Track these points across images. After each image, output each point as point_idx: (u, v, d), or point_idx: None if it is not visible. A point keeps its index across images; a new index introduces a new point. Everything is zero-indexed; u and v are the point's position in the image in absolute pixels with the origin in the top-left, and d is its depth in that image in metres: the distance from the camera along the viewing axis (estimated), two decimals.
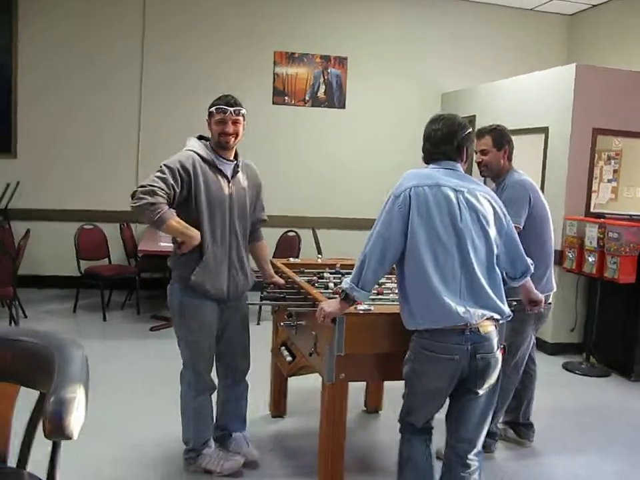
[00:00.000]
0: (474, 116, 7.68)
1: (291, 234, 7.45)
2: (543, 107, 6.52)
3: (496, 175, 3.83)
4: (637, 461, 4.06)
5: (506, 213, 2.97)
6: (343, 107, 8.54)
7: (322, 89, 8.46)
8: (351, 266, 3.94)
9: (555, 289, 3.92)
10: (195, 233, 3.22)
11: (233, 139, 3.36)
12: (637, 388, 5.53)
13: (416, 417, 2.91)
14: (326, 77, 8.45)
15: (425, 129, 2.96)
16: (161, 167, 3.25)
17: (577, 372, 5.82)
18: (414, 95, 8.52)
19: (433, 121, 2.94)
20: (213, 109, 3.34)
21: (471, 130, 2.96)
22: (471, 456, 2.89)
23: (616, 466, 3.97)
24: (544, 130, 6.47)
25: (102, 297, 6.83)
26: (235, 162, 3.45)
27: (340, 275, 3.93)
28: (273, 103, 8.33)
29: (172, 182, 3.19)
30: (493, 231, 2.84)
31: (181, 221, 3.21)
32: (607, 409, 4.99)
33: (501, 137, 3.82)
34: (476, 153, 3.83)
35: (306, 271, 4.08)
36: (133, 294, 7.31)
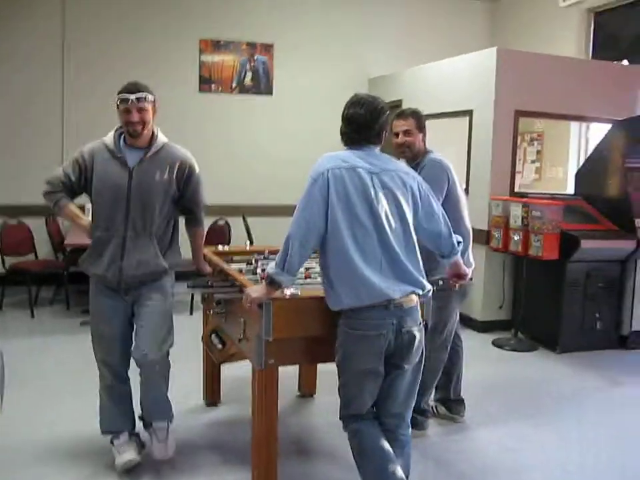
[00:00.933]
0: (400, 100, 7.76)
1: (220, 222, 7.40)
2: (467, 91, 6.64)
3: (414, 156, 3.89)
4: (562, 429, 4.21)
5: (423, 190, 3.00)
6: (270, 93, 8.53)
7: (249, 75, 8.42)
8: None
9: (473, 265, 4.00)
10: (85, 222, 3.44)
11: (140, 127, 3.28)
12: (561, 360, 5.72)
13: (356, 404, 2.91)
14: (252, 64, 8.41)
15: (346, 111, 2.94)
16: (70, 160, 3.45)
17: (505, 347, 5.97)
18: (341, 80, 8.54)
19: (354, 104, 2.92)
20: (120, 96, 3.27)
21: (389, 112, 2.99)
22: (401, 430, 2.95)
23: (543, 436, 4.10)
24: (468, 113, 6.59)
25: (29, 293, 6.64)
26: (145, 150, 3.36)
27: (268, 261, 3.93)
28: (200, 91, 8.24)
29: (69, 171, 3.38)
30: (408, 209, 2.89)
31: (75, 209, 3.45)
32: (534, 382, 5.15)
33: (421, 120, 3.89)
34: (396, 136, 3.87)
35: (235, 258, 4.07)
36: (62, 289, 7.14)
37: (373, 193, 2.80)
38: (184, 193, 3.52)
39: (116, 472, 3.44)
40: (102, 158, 3.32)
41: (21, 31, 7.62)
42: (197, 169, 3.56)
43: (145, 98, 3.27)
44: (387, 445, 2.85)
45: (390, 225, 2.81)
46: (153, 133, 3.39)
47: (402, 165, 3.08)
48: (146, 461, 3.53)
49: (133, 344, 3.43)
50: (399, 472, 2.79)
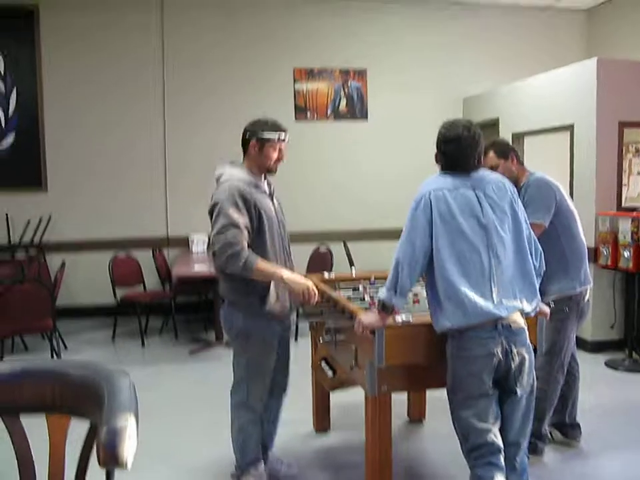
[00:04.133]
0: (497, 118, 7.67)
1: (322, 249, 7.48)
2: (567, 104, 6.49)
3: (513, 183, 3.81)
4: None
5: (518, 205, 2.96)
6: (366, 118, 8.58)
7: (343, 102, 8.51)
8: (385, 277, 3.96)
9: (591, 283, 3.89)
10: (287, 275, 3.17)
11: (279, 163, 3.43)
12: None
13: (474, 434, 2.81)
14: (346, 90, 8.50)
15: (441, 145, 2.94)
16: (220, 211, 3.16)
17: (619, 369, 5.75)
18: (435, 101, 8.52)
19: (450, 141, 2.91)
20: (271, 135, 3.34)
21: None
22: (518, 458, 2.89)
23: None
24: (569, 127, 6.43)
25: (139, 323, 6.90)
26: (266, 181, 3.49)
27: (375, 287, 3.94)
28: (296, 120, 8.39)
29: (240, 221, 3.15)
30: (512, 219, 2.87)
31: (265, 263, 3.16)
32: None
33: (502, 147, 3.85)
34: None
35: (341, 285, 4.10)
36: (170, 319, 7.38)
37: (479, 208, 2.81)
38: None
39: None
40: (256, 193, 3.31)
41: (124, 79, 8.00)
42: None
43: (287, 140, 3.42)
44: None
45: (500, 237, 2.80)
46: None
47: (498, 175, 3.06)
48: None
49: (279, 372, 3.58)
50: None
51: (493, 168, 3.76)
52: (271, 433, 3.72)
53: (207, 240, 7.59)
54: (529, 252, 2.90)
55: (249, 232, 3.19)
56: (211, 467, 3.86)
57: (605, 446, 4.15)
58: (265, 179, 3.48)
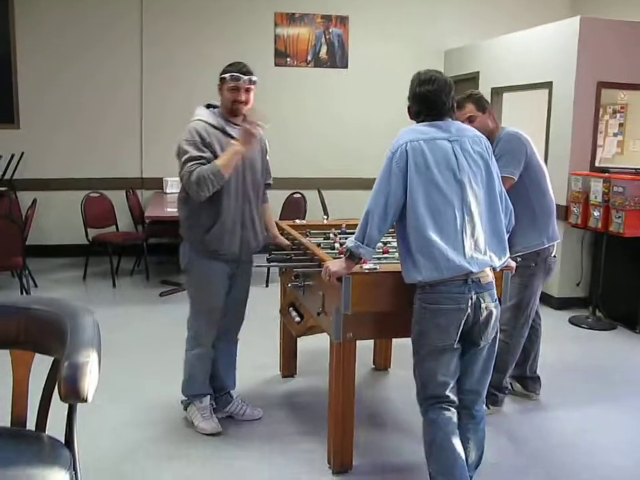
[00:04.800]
0: (477, 72, 7.64)
1: (296, 195, 7.46)
2: (547, 62, 6.46)
3: (488, 137, 3.82)
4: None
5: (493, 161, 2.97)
6: (346, 66, 8.50)
7: (324, 49, 8.41)
8: (356, 225, 3.98)
9: (559, 239, 3.95)
10: (236, 148, 3.29)
11: (244, 107, 3.40)
12: None
13: (434, 384, 2.85)
14: (327, 37, 8.39)
15: (415, 89, 2.92)
16: (181, 148, 3.33)
17: (583, 326, 5.86)
18: (417, 52, 8.43)
19: (424, 82, 2.89)
20: (226, 75, 3.36)
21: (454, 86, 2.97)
22: (476, 406, 2.95)
23: (620, 417, 4.03)
24: (548, 85, 6.42)
25: (111, 263, 6.89)
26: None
27: (345, 235, 3.96)
28: (275, 65, 8.29)
29: (198, 153, 3.29)
30: (488, 174, 2.87)
31: (220, 158, 3.28)
32: (612, 362, 5.04)
33: (480, 101, 3.82)
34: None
35: (312, 232, 4.11)
36: (142, 260, 7.37)
37: (455, 160, 2.79)
38: (263, 168, 3.66)
39: (199, 434, 3.61)
40: (215, 136, 3.36)
41: (102, 25, 7.83)
42: None
43: (252, 80, 3.39)
44: (459, 444, 2.81)
45: (474, 192, 2.79)
46: None
47: (476, 131, 3.04)
48: (224, 429, 3.67)
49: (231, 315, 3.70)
50: (465, 472, 2.79)
51: (471, 120, 3.76)
52: (228, 375, 3.83)
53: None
54: (500, 208, 2.91)
55: (208, 161, 3.29)
56: (171, 400, 3.91)
57: (563, 400, 4.26)
58: (243, 121, 3.45)
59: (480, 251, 2.77)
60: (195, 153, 3.28)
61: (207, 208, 3.37)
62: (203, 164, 3.26)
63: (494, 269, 2.86)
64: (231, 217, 3.42)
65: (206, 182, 3.22)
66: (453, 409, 2.85)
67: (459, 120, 3.72)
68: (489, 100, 3.86)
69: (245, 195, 3.46)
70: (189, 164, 3.26)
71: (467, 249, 2.73)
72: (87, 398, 1.90)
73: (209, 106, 3.52)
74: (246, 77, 3.35)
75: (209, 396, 3.71)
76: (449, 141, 2.83)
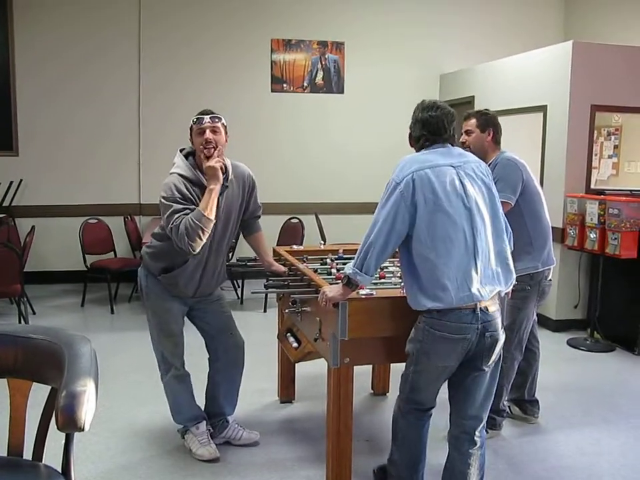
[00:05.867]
0: (472, 96, 7.71)
1: (294, 221, 7.50)
2: (541, 86, 6.53)
3: (482, 156, 3.86)
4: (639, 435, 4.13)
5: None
6: (342, 92, 8.57)
7: (320, 74, 8.48)
8: (354, 251, 3.99)
9: (555, 263, 3.97)
10: (209, 188, 3.28)
11: (213, 149, 3.33)
12: None
13: (421, 395, 2.95)
14: (324, 63, 8.47)
15: (418, 114, 2.95)
16: (164, 205, 3.33)
17: (581, 348, 5.86)
18: (412, 77, 8.54)
19: (427, 108, 2.93)
20: (193, 123, 3.36)
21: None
22: (478, 432, 2.95)
23: (620, 440, 4.02)
24: (542, 108, 6.48)
25: (109, 290, 6.90)
26: (224, 177, 3.41)
27: (342, 261, 3.98)
28: (272, 91, 8.35)
29: (182, 206, 3.28)
30: (491, 198, 2.89)
31: (202, 202, 3.28)
32: (611, 384, 5.04)
33: (485, 120, 3.86)
34: (461, 134, 3.87)
35: (309, 257, 4.13)
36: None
37: (461, 186, 2.79)
38: (249, 204, 3.68)
39: (197, 461, 3.60)
40: (192, 190, 3.36)
41: (100, 50, 7.90)
42: None
43: (219, 119, 3.38)
44: (425, 445, 3.05)
45: (482, 218, 2.79)
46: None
47: (475, 157, 3.06)
48: (223, 456, 3.66)
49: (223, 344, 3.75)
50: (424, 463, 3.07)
51: (467, 133, 3.81)
52: (228, 401, 3.84)
53: None
54: (505, 232, 2.93)
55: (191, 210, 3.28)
56: (168, 427, 3.91)
57: (562, 422, 4.25)
58: (224, 176, 3.42)
59: (489, 277, 2.78)
60: (179, 206, 3.27)
61: (175, 252, 3.37)
62: (187, 214, 3.25)
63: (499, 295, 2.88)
64: (193, 264, 3.45)
65: (195, 230, 3.19)
66: (430, 413, 3.04)
67: (462, 130, 3.79)
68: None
69: (212, 245, 3.46)
70: (175, 216, 3.25)
71: (478, 276, 2.74)
72: (84, 427, 1.90)
73: (188, 154, 3.48)
74: (207, 117, 3.33)
75: (204, 421, 3.71)
76: (452, 167, 2.84)
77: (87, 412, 1.91)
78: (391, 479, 3.16)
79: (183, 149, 3.51)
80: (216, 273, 3.60)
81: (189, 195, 3.33)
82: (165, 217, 3.31)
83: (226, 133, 3.42)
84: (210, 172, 3.28)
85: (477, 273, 2.73)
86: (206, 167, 3.29)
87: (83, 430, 1.91)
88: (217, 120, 3.36)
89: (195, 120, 3.36)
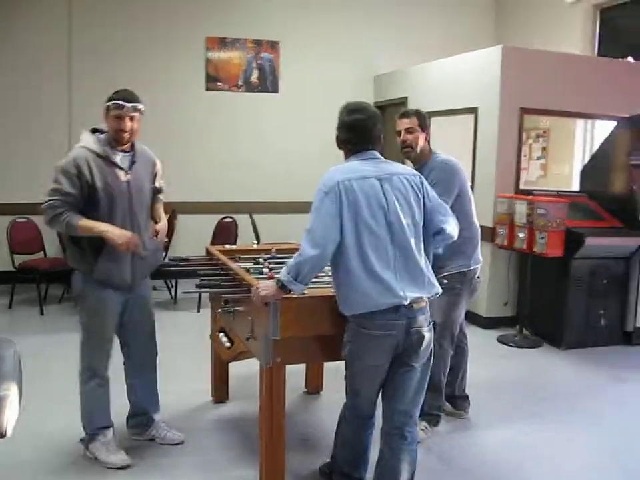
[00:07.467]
0: (406, 97, 7.81)
1: (227, 220, 7.45)
2: (473, 88, 6.66)
3: (419, 156, 3.92)
4: (565, 428, 4.24)
5: (427, 190, 3.03)
6: (277, 91, 8.56)
7: (255, 73, 8.45)
8: (287, 250, 4.00)
9: (481, 262, 4.08)
10: (109, 228, 3.27)
11: (128, 136, 3.34)
12: (566, 357, 5.76)
13: (360, 399, 3.00)
14: (259, 62, 8.44)
15: (344, 118, 2.98)
16: (56, 176, 3.29)
17: (510, 344, 6.01)
18: (347, 77, 8.59)
19: (353, 111, 2.97)
20: (109, 103, 3.30)
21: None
22: (408, 428, 2.99)
23: (545, 433, 4.14)
24: (474, 110, 6.61)
25: (38, 291, 6.73)
26: (132, 153, 3.43)
27: (275, 260, 3.98)
28: (207, 89, 8.28)
29: (67, 188, 3.25)
30: (418, 211, 2.93)
31: (88, 221, 3.26)
32: (538, 379, 5.19)
33: (424, 119, 3.93)
34: (399, 134, 3.92)
35: (241, 257, 4.11)
36: (70, 287, 7.19)
37: (384, 199, 2.84)
38: (154, 181, 3.68)
39: (111, 468, 3.50)
40: (97, 164, 3.31)
41: (28, 42, 7.67)
42: None
43: (137, 107, 3.34)
44: (368, 449, 3.14)
45: (402, 229, 2.84)
46: None
47: (407, 168, 3.11)
48: (152, 459, 3.61)
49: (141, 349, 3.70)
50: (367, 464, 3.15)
51: (409, 132, 3.85)
52: (149, 402, 3.80)
53: None
54: (428, 244, 2.99)
55: (76, 199, 3.26)
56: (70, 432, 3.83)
57: (492, 417, 4.36)
58: (132, 153, 3.44)
59: (411, 286, 2.83)
60: (66, 189, 3.24)
61: (90, 237, 3.32)
62: (68, 202, 3.23)
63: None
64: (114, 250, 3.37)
65: (59, 226, 3.25)
66: (373, 421, 3.10)
67: (399, 128, 3.83)
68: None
69: (132, 219, 3.42)
70: (56, 196, 3.23)
71: (398, 285, 2.79)
72: (5, 433, 1.85)
73: (95, 130, 3.45)
74: (129, 105, 3.29)
75: (112, 429, 3.62)
76: (378, 179, 2.87)
77: (9, 417, 1.86)
78: (334, 475, 3.24)
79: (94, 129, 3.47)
80: (146, 248, 3.48)
81: (87, 171, 3.26)
82: (50, 187, 3.27)
83: (141, 116, 3.39)
84: (126, 240, 3.27)
85: (397, 282, 2.80)
86: (130, 237, 3.28)
87: (4, 436, 1.85)
88: (136, 109, 3.33)
89: (114, 103, 3.29)
